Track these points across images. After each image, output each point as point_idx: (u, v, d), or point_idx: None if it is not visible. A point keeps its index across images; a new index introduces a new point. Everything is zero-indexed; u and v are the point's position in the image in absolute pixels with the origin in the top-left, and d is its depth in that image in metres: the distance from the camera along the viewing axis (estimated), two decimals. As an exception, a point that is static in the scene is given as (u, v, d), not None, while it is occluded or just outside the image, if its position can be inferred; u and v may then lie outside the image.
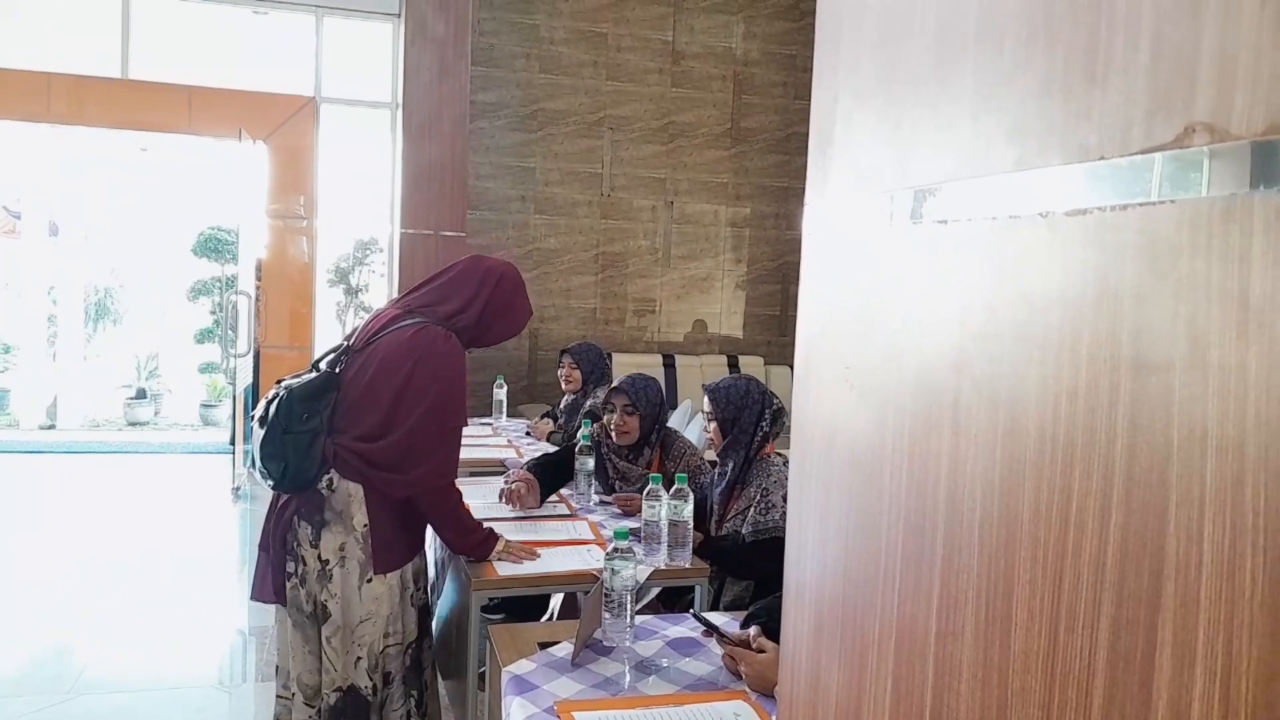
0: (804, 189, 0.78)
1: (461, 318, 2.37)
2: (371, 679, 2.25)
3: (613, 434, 3.13)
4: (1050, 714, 0.48)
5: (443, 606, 2.99)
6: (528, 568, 2.41)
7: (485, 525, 2.46)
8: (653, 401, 3.12)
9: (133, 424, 9.23)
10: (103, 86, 6.18)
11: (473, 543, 2.41)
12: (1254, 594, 0.38)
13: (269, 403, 2.21)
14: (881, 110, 0.68)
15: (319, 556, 2.21)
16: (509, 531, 2.56)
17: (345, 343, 2.41)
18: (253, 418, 2.29)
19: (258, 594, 2.32)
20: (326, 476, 2.22)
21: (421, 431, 2.23)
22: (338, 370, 2.31)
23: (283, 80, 6.49)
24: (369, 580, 2.23)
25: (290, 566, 2.25)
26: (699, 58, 6.78)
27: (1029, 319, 0.50)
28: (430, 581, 3.02)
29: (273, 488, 2.25)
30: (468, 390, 2.43)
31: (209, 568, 4.96)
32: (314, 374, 2.28)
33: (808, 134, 0.78)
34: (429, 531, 2.56)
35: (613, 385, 3.18)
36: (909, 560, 0.60)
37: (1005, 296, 0.52)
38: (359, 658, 2.23)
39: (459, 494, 2.38)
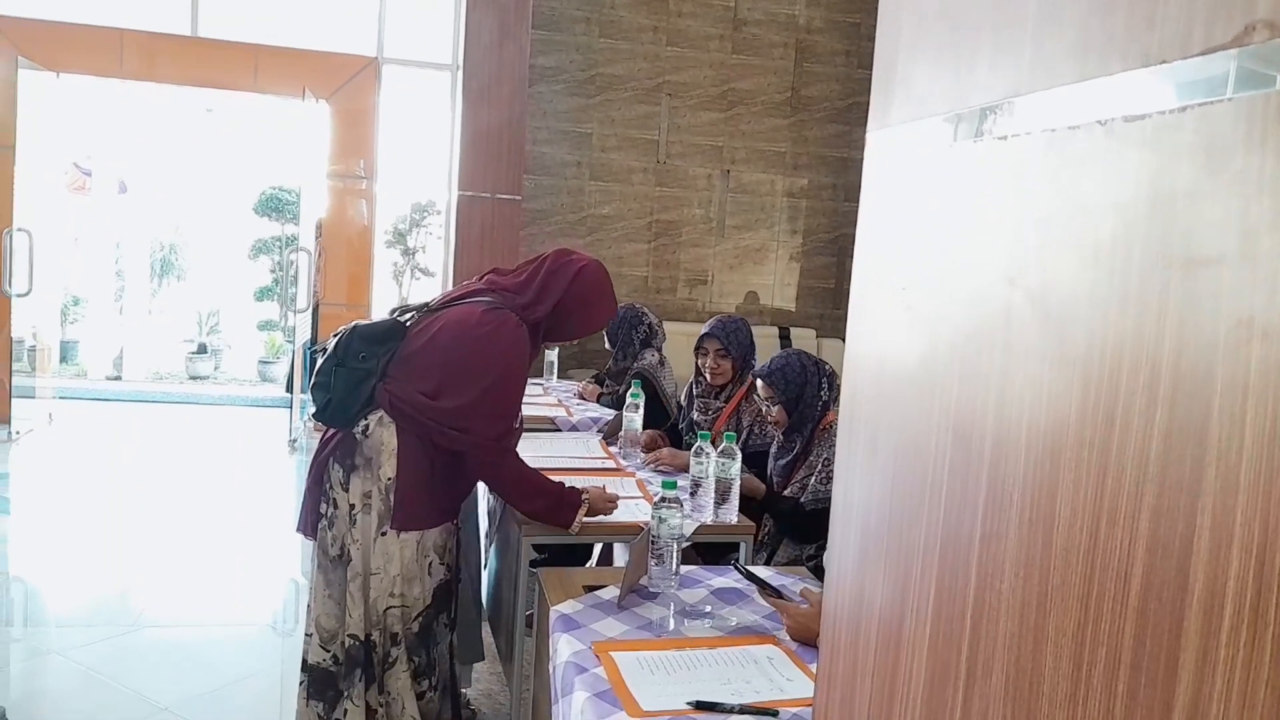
0: (863, 160, 0.79)
1: (535, 311, 2.35)
2: (372, 633, 2.25)
3: (707, 375, 3.25)
4: (1089, 605, 0.50)
5: (494, 558, 3.06)
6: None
7: (571, 488, 2.38)
8: (743, 343, 3.23)
9: (194, 378, 9.49)
10: (173, 44, 6.31)
11: (543, 507, 2.32)
12: (1292, 471, 0.39)
13: (335, 336, 2.28)
14: (944, 37, 0.69)
15: (349, 500, 2.24)
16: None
17: (425, 302, 2.47)
18: (319, 347, 2.36)
19: (300, 527, 2.38)
20: (364, 422, 2.23)
21: (474, 409, 2.23)
22: (407, 323, 2.36)
23: (346, 41, 6.57)
24: (384, 534, 2.23)
25: (323, 508, 2.29)
26: (760, 24, 6.72)
27: (1083, 226, 0.52)
28: (487, 544, 3.08)
29: (314, 415, 2.31)
30: (527, 377, 2.39)
31: (265, 516, 5.11)
32: (383, 318, 2.35)
33: (869, 105, 0.79)
34: (482, 491, 2.57)
35: (704, 331, 3.26)
36: (956, 470, 0.62)
37: (1061, 206, 0.54)
38: (368, 608, 2.25)
39: (518, 463, 2.32)
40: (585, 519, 2.36)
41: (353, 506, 2.24)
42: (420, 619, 2.29)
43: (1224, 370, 0.43)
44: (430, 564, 2.30)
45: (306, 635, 2.33)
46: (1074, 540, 0.51)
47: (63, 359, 9.17)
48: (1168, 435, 0.45)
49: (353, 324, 2.31)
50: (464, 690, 3.04)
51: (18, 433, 6.25)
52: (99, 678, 3.11)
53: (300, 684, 2.32)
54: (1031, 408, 0.55)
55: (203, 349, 9.77)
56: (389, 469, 2.22)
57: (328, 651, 2.29)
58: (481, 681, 3.16)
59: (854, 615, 0.75)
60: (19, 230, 6.05)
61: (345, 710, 2.26)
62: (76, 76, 6.59)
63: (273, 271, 10.09)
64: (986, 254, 0.61)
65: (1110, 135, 0.50)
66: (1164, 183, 0.47)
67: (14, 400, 6.27)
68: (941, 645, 0.63)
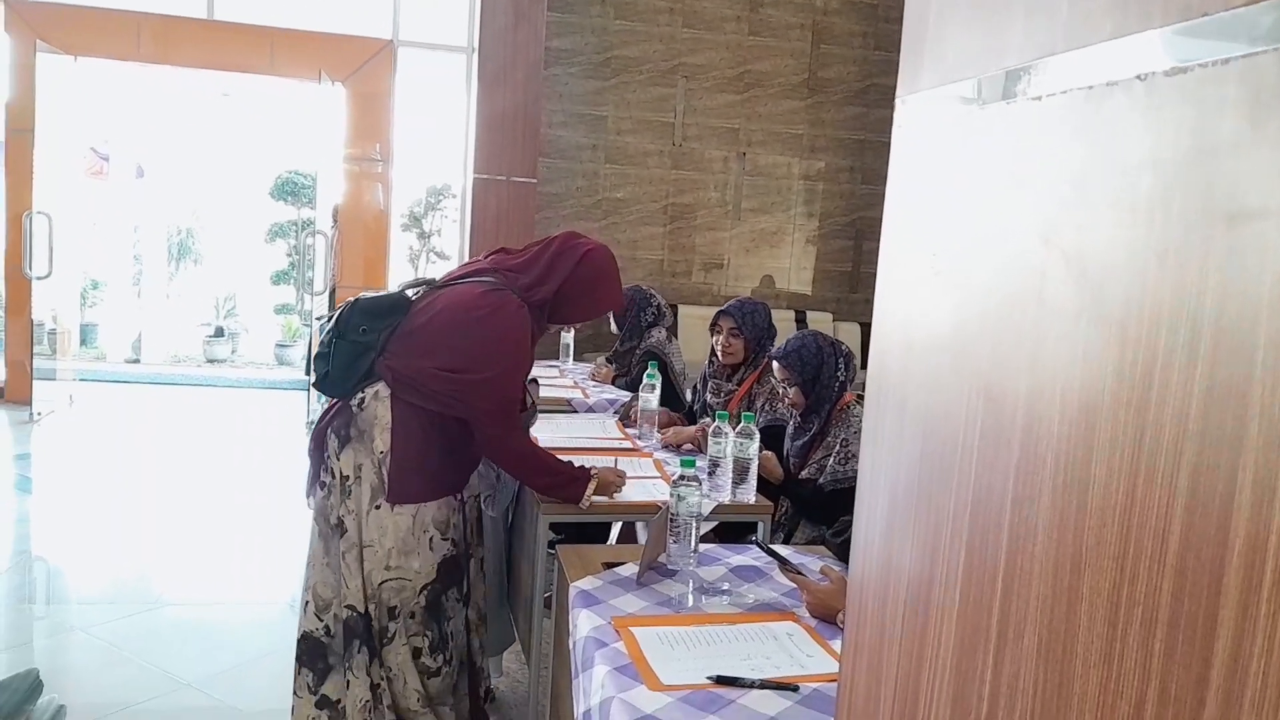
0: (880, 143, 0.79)
1: (538, 291, 2.34)
2: (368, 606, 2.26)
3: (719, 353, 3.26)
4: (1124, 564, 0.50)
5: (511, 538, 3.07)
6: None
7: (580, 466, 2.40)
8: (759, 325, 3.22)
9: (211, 361, 9.54)
10: (189, 27, 6.33)
11: (554, 484, 2.35)
12: (1338, 424, 0.39)
13: (339, 308, 2.31)
14: (976, 2, 0.68)
15: (342, 471, 2.26)
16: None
17: (432, 278, 2.48)
18: (324, 318, 2.37)
19: (308, 492, 2.40)
20: (361, 394, 2.25)
21: (474, 389, 2.24)
22: (412, 298, 2.37)
23: (361, 23, 6.57)
24: (377, 506, 2.24)
25: (323, 476, 2.31)
26: (777, 5, 6.67)
27: (1122, 183, 0.51)
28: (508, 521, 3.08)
29: (314, 385, 2.35)
30: (530, 357, 2.38)
31: (283, 496, 5.14)
32: (387, 293, 2.35)
33: (887, 86, 0.78)
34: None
35: (721, 309, 3.26)
36: (987, 433, 0.62)
37: (1098, 164, 0.53)
38: (362, 581, 2.26)
39: (523, 438, 2.33)
40: (595, 497, 2.36)
41: (345, 477, 2.25)
42: (425, 593, 2.29)
43: (1268, 325, 0.42)
44: (431, 539, 2.29)
45: (304, 604, 2.34)
46: (1110, 500, 0.51)
47: (82, 342, 9.24)
48: (1209, 392, 0.45)
49: (355, 297, 2.33)
50: (491, 673, 3.05)
51: (39, 414, 6.31)
52: (122, 654, 3.14)
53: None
54: (1067, 368, 0.55)
55: (220, 332, 9.83)
56: (381, 442, 2.23)
57: (320, 621, 2.30)
58: (502, 660, 3.17)
59: (881, 583, 0.75)
60: (39, 213, 6.09)
61: (348, 682, 2.26)
62: (94, 60, 6.61)
63: (289, 255, 10.13)
64: (1020, 216, 0.60)
65: (1151, 91, 0.49)
66: (1206, 137, 0.46)
67: (35, 382, 6.32)
68: (972, 610, 0.63)
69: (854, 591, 0.80)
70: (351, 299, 2.32)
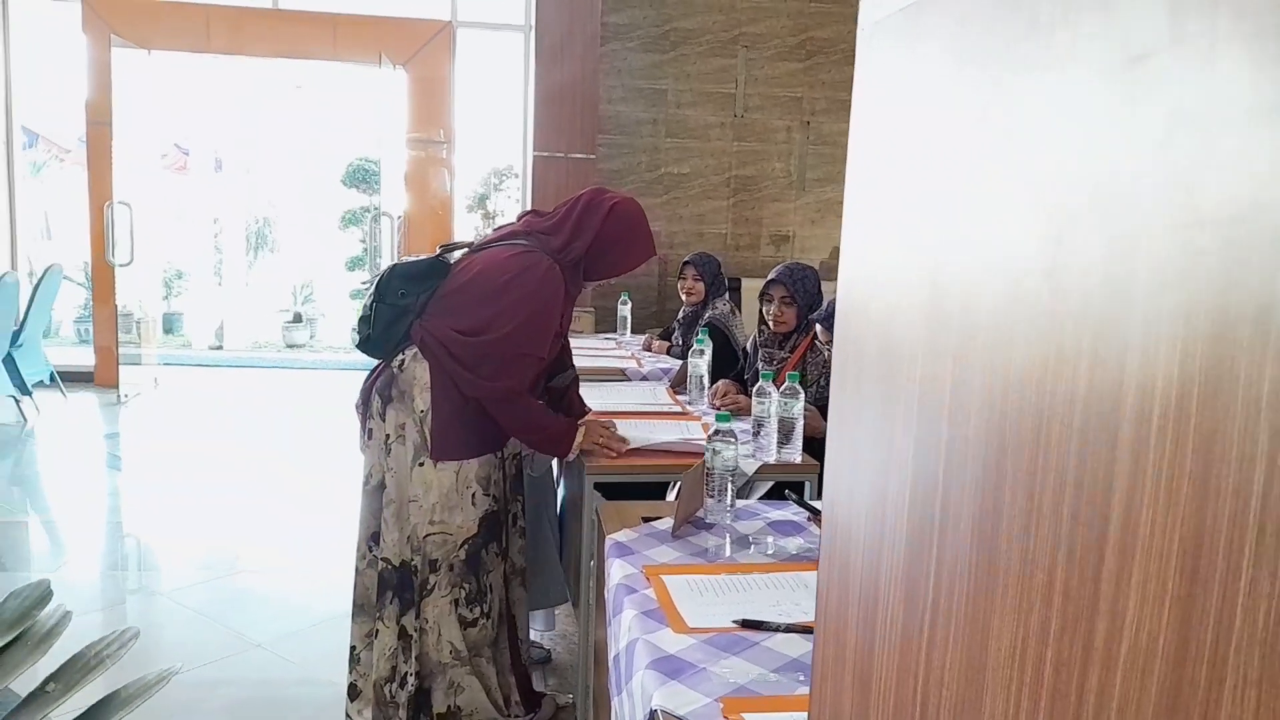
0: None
1: (570, 251, 2.37)
2: (413, 559, 2.32)
3: (770, 323, 3.21)
4: (1040, 436, 0.48)
5: (562, 497, 3.11)
6: (641, 455, 2.46)
7: (569, 421, 2.45)
8: (810, 291, 3.17)
9: (290, 346, 9.82)
10: (256, 17, 6.50)
11: (546, 439, 2.40)
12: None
13: (381, 271, 2.37)
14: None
15: (384, 430, 2.33)
16: (623, 429, 2.59)
17: (470, 241, 2.54)
18: (367, 283, 2.44)
19: (362, 446, 2.46)
20: (400, 356, 2.32)
21: (500, 349, 2.27)
22: (450, 262, 2.42)
23: (420, 5, 6.66)
24: (420, 464, 2.30)
25: (368, 434, 2.39)
26: (837, -31, 6.55)
27: (1057, 40, 0.50)
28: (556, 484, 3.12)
29: (357, 346, 2.42)
30: (559, 320, 2.38)
31: (355, 469, 5.28)
32: (425, 257, 2.41)
33: None
34: None
35: (770, 277, 3.21)
36: (933, 322, 0.61)
37: (1040, 28, 0.52)
38: (408, 535, 2.32)
39: (528, 401, 2.36)
40: (586, 447, 2.41)
41: (388, 436, 2.33)
42: (466, 547, 2.35)
43: (1163, 163, 0.41)
44: (474, 494, 2.35)
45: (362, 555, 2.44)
46: (1030, 375, 0.50)
47: (167, 330, 9.60)
48: (1110, 243, 0.44)
49: (394, 262, 2.40)
50: (538, 630, 3.10)
51: (126, 396, 6.59)
52: (202, 618, 3.28)
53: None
54: (996, 244, 0.54)
55: (298, 318, 10.11)
56: (421, 402, 2.30)
57: (374, 570, 2.39)
58: (558, 623, 3.22)
59: (848, 492, 0.75)
60: (119, 203, 6.34)
61: (376, 631, 2.34)
62: (167, 53, 6.84)
63: (362, 241, 10.36)
64: (966, 95, 0.59)
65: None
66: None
67: (121, 367, 6.60)
68: (921, 504, 0.62)
69: (826, 505, 0.80)
70: (392, 264, 2.38)
